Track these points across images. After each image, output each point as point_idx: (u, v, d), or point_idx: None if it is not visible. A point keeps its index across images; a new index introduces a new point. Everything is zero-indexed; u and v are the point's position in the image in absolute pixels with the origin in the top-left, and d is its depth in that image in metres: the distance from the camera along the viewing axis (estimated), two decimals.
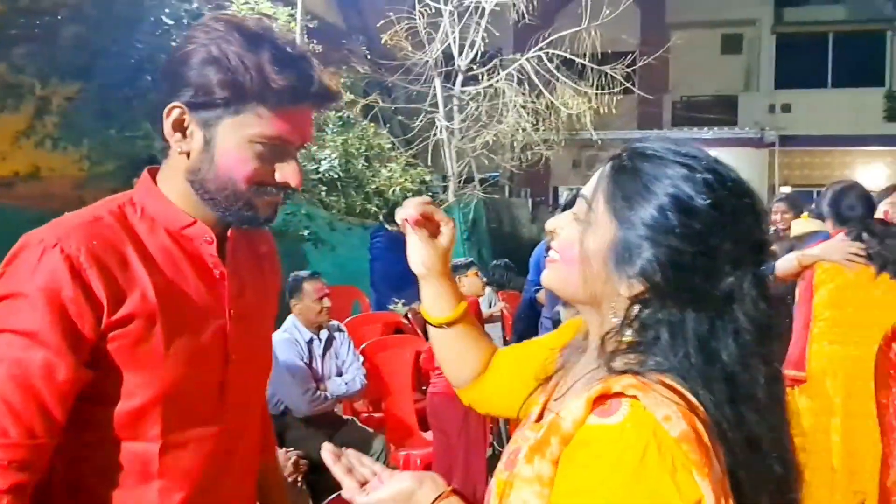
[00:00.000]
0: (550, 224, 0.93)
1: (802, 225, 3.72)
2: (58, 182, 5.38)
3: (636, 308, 0.81)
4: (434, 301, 1.16)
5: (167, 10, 5.63)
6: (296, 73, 1.03)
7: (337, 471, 0.92)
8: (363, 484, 0.91)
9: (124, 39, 5.36)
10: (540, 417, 0.92)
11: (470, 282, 4.11)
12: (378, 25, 7.93)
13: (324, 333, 3.55)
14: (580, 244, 0.85)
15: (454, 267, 3.98)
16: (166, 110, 1.03)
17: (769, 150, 15.21)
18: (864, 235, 2.74)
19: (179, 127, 1.04)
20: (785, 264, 3.13)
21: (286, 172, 1.07)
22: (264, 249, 1.27)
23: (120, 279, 1.01)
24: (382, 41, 7.82)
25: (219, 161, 1.04)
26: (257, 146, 1.04)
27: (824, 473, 2.70)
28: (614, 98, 8.41)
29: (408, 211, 1.09)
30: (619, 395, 0.75)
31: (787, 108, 15.49)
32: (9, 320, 0.98)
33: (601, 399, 0.76)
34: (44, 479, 1.01)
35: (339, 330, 3.67)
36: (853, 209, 2.81)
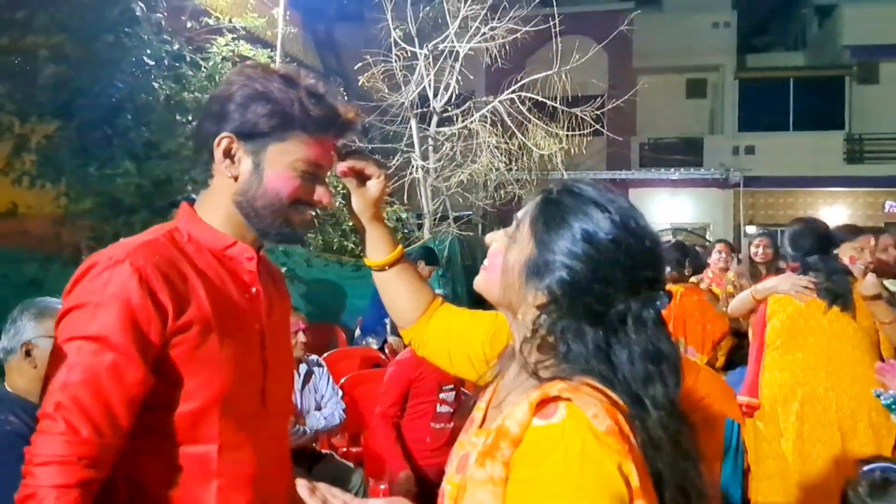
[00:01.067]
0: (488, 237, 1.08)
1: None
2: (35, 219, 5.36)
3: (541, 316, 0.95)
4: (372, 247, 1.35)
5: (148, 51, 5.70)
6: (328, 105, 1.21)
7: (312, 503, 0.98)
8: None
9: (105, 79, 5.40)
10: (483, 423, 1.04)
11: None
12: (355, 68, 8.10)
13: (303, 368, 3.57)
14: (504, 255, 1.01)
15: None
16: (216, 141, 1.18)
17: (734, 190, 15.63)
18: (810, 272, 2.88)
19: (228, 154, 1.19)
20: (739, 302, 3.30)
21: (320, 192, 1.24)
22: (277, 275, 1.40)
23: (181, 290, 1.12)
24: (359, 83, 7.98)
25: (267, 181, 1.19)
26: (300, 167, 1.20)
27: (779, 495, 2.79)
28: (584, 139, 8.64)
29: (338, 165, 1.28)
30: (557, 398, 0.88)
31: (750, 150, 15.97)
32: (79, 328, 1.07)
33: (542, 404, 0.88)
34: (107, 483, 1.07)
35: (319, 365, 3.70)
36: (801, 247, 2.99)
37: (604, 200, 0.96)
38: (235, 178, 1.20)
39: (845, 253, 3.00)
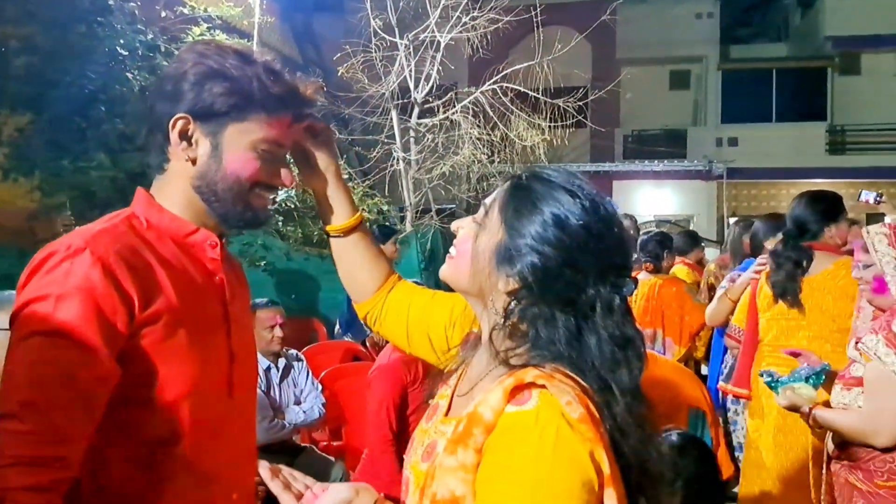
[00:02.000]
0: (455, 224, 1.07)
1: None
2: (9, 214, 5.27)
3: (512, 302, 0.95)
4: (333, 210, 1.31)
5: (122, 42, 5.62)
6: (286, 82, 1.16)
7: (274, 487, 0.98)
8: (299, 497, 0.98)
9: (77, 70, 5.32)
10: (448, 411, 1.03)
11: None
12: (334, 59, 8.02)
13: (281, 362, 3.54)
14: (473, 241, 0.99)
15: None
16: (171, 122, 1.12)
17: (717, 182, 15.69)
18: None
19: (185, 136, 1.13)
20: (716, 311, 3.30)
21: (284, 174, 1.20)
22: (235, 262, 1.35)
23: (145, 279, 1.07)
24: (339, 74, 7.90)
25: (226, 164, 1.15)
26: (260, 148, 1.15)
27: (757, 485, 2.78)
28: (567, 131, 8.61)
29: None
30: (531, 385, 0.87)
31: (733, 142, 16.04)
32: (41, 322, 1.01)
33: (515, 390, 0.88)
34: (74, 481, 1.02)
35: (298, 359, 3.66)
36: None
37: (573, 187, 0.97)
38: (193, 162, 1.15)
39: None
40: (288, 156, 1.27)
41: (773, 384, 2.24)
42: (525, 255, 0.93)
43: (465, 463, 0.88)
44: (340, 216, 1.31)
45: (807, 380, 2.15)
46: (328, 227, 1.33)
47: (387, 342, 3.08)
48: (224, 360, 1.19)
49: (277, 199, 7.11)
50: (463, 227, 1.05)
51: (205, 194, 1.17)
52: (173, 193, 1.18)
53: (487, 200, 1.02)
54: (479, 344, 1.04)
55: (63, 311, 1.00)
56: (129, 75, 5.55)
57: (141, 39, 5.80)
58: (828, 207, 2.87)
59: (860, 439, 1.96)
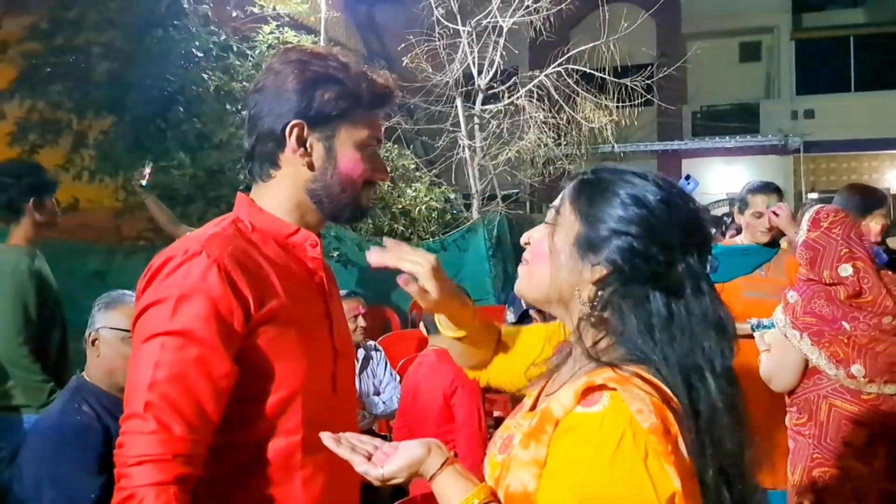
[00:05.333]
0: (525, 236, 1.05)
1: None
2: (96, 213, 5.53)
3: (601, 290, 0.93)
4: (450, 321, 1.19)
5: (196, 43, 5.78)
6: (380, 80, 1.20)
7: (342, 452, 1.00)
8: (369, 457, 1.00)
9: (156, 72, 5.51)
10: (533, 408, 1.02)
11: None
12: (398, 49, 8.06)
13: (361, 352, 3.60)
14: (550, 241, 0.98)
15: None
16: (287, 129, 1.15)
17: (794, 156, 15.08)
18: None
19: (301, 142, 1.17)
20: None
21: (382, 168, 1.25)
22: (326, 261, 1.37)
23: (258, 279, 1.11)
24: (403, 64, 7.94)
25: (340, 165, 1.18)
26: (366, 147, 1.20)
27: None
28: (634, 110, 8.44)
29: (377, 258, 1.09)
30: (602, 387, 0.85)
31: (810, 114, 15.36)
32: (161, 324, 1.05)
33: (587, 391, 0.86)
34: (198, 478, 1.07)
35: (376, 349, 3.72)
36: None
37: (639, 172, 0.97)
38: (310, 166, 1.18)
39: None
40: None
41: (754, 328, 2.44)
42: (609, 239, 0.93)
43: (537, 458, 0.88)
44: (461, 323, 1.20)
45: (770, 327, 2.40)
46: (445, 333, 1.22)
47: None
48: (329, 357, 1.22)
49: None
50: (532, 236, 1.03)
51: (318, 196, 1.20)
52: (280, 197, 1.21)
53: (555, 202, 1.01)
54: (570, 349, 1.03)
55: (182, 313, 1.04)
56: (205, 76, 5.71)
57: (214, 40, 5.96)
58: None
59: (768, 384, 2.33)
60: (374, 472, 0.98)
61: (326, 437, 1.02)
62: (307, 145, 1.17)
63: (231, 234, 1.15)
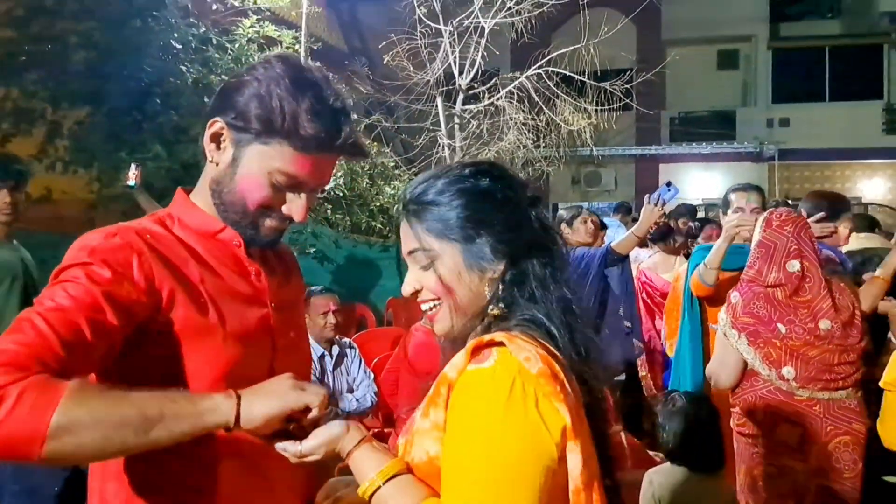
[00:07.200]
0: (408, 288, 1.07)
1: (857, 241, 3.57)
2: (69, 205, 5.47)
3: (501, 283, 1.00)
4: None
5: (175, 35, 5.74)
6: (328, 125, 1.14)
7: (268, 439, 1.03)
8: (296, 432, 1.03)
9: (133, 64, 5.46)
10: None
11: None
12: (380, 47, 8.04)
13: (335, 350, 3.60)
14: (441, 278, 1.02)
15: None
16: (209, 122, 1.17)
17: (768, 164, 15.29)
18: None
19: (216, 139, 1.18)
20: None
21: (293, 207, 1.19)
22: (284, 250, 1.39)
23: (170, 265, 1.12)
24: (384, 62, 7.93)
25: (238, 179, 1.17)
26: (275, 177, 1.15)
27: None
28: (613, 114, 8.50)
29: None
30: (490, 343, 0.92)
31: (785, 123, 15.58)
32: (66, 275, 1.04)
33: (477, 350, 0.92)
34: (114, 466, 1.08)
35: (351, 347, 3.72)
36: None
37: (444, 170, 1.06)
38: (216, 164, 1.19)
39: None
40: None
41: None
42: (484, 237, 1.00)
43: (437, 422, 0.92)
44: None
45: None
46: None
47: None
48: (266, 349, 1.21)
49: (326, 188, 7.23)
50: (419, 280, 1.05)
51: (216, 200, 1.20)
52: (204, 192, 1.23)
53: (411, 247, 1.04)
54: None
55: (89, 271, 1.03)
56: (183, 68, 5.67)
57: (194, 33, 5.92)
58: None
59: (713, 384, 2.44)
60: (293, 448, 1.01)
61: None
62: (220, 144, 1.18)
63: (153, 229, 1.16)
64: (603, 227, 4.63)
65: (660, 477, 2.18)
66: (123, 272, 1.05)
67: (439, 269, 1.01)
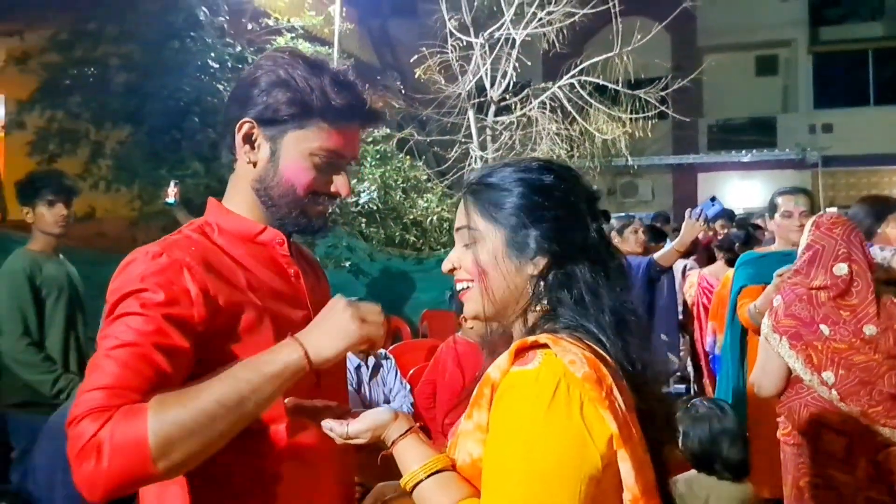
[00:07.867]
0: (446, 265, 1.06)
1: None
2: (111, 222, 5.61)
3: (544, 280, 0.98)
4: None
5: (212, 55, 5.87)
6: (351, 95, 1.18)
7: (303, 415, 1.06)
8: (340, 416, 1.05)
9: (172, 84, 5.60)
10: None
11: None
12: (411, 61, 8.11)
13: (371, 360, 3.60)
14: (479, 260, 1.00)
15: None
16: (238, 125, 1.18)
17: (812, 171, 14.92)
18: None
19: (249, 140, 1.19)
20: None
21: (339, 183, 1.22)
22: (311, 258, 1.41)
23: (221, 277, 1.12)
24: (416, 76, 7.98)
25: (282, 170, 1.19)
26: (316, 158, 1.18)
27: None
28: (649, 123, 8.41)
29: None
30: (535, 345, 0.90)
31: (828, 128, 15.20)
32: (125, 308, 1.04)
33: (521, 351, 0.91)
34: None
35: (387, 358, 3.73)
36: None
37: (513, 163, 1.04)
38: (254, 165, 1.20)
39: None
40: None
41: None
42: (533, 231, 0.97)
43: (480, 423, 0.90)
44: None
45: None
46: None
47: None
48: None
49: (360, 202, 7.30)
50: (457, 259, 1.05)
51: (262, 198, 1.21)
52: (239, 194, 1.24)
53: (461, 223, 1.04)
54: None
55: (142, 296, 1.04)
56: (220, 87, 5.80)
57: (230, 52, 6.06)
58: None
59: (756, 392, 2.36)
60: (339, 429, 1.02)
61: (290, 401, 1.05)
62: (254, 143, 1.19)
63: (195, 239, 1.17)
64: (661, 237, 4.65)
65: (683, 485, 2.13)
66: (177, 290, 1.06)
67: (479, 250, 1.01)
